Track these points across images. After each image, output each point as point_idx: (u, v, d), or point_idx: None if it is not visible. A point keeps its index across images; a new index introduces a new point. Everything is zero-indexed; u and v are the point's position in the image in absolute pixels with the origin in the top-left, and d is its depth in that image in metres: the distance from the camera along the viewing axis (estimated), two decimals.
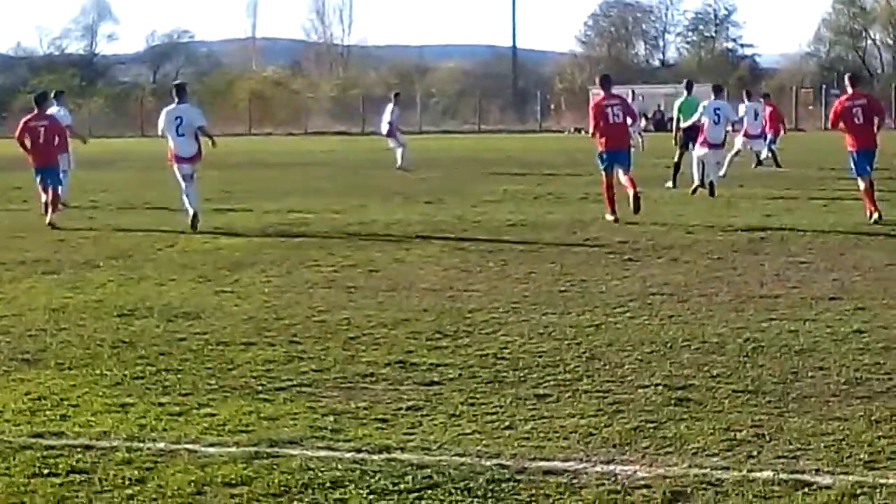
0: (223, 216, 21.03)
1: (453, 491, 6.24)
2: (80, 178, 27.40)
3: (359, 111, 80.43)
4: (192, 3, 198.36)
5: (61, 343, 10.09)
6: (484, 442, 7.08)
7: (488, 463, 6.68)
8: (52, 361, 9.37)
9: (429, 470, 6.54)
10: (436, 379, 8.66)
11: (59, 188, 20.39)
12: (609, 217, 18.79)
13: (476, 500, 6.13)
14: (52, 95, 23.82)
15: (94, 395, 8.30)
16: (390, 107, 34.85)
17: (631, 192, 18.72)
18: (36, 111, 20.43)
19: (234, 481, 6.39)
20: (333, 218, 20.44)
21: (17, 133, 20.16)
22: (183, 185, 18.75)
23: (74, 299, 12.36)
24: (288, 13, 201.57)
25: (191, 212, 18.40)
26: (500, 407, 7.86)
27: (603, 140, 19.32)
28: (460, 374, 8.80)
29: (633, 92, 46.22)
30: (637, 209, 18.57)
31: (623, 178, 19.04)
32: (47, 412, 7.85)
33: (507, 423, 7.47)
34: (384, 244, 16.73)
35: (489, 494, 6.20)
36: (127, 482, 6.43)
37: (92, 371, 9.02)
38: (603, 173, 19.31)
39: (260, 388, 8.44)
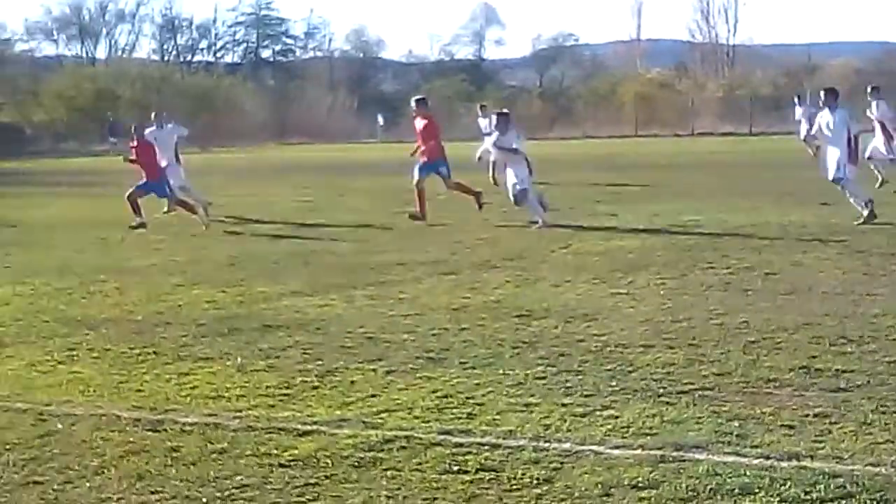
0: (614, 218, 21.11)
1: (868, 502, 6.01)
2: (476, 182, 28.07)
3: (746, 111, 79.26)
4: (577, 7, 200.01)
5: (464, 342, 10.32)
6: None
7: None
8: (455, 360, 9.60)
9: (841, 479, 6.32)
10: (843, 385, 8.38)
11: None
12: None
13: None
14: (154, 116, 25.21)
15: (498, 394, 8.44)
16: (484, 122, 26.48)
17: None
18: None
19: (641, 484, 6.36)
20: (725, 220, 20.15)
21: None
22: None
23: (473, 299, 12.64)
24: (672, 14, 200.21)
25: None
26: None
27: None
28: (868, 381, 8.49)
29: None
30: None
31: None
32: (454, 410, 8.02)
33: None
34: (779, 246, 16.38)
35: None
36: (535, 481, 6.49)
37: (495, 370, 9.18)
38: None
39: (661, 391, 8.37)
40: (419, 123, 22.07)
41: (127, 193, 21.62)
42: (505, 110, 22.75)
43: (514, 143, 21.01)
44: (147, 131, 23.98)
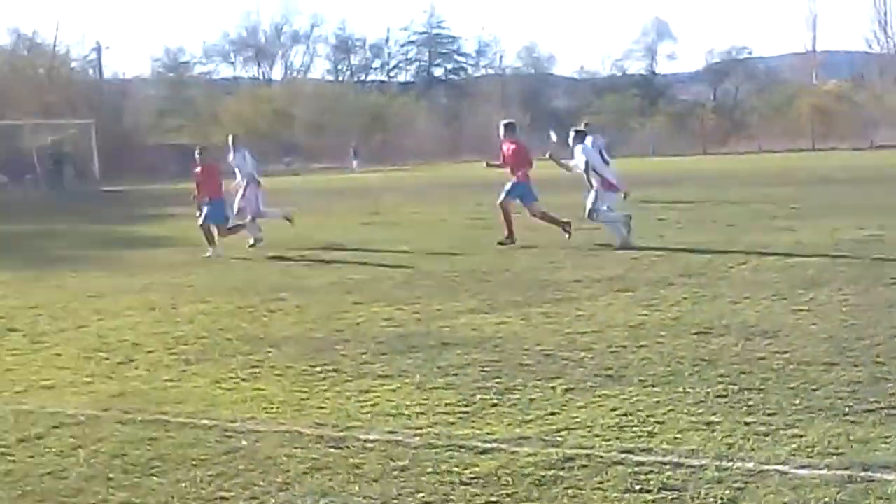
0: (793, 233, 20.78)
1: None
2: (646, 196, 27.85)
3: None
4: (751, 20, 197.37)
5: (642, 360, 10.24)
6: None
7: None
8: (634, 378, 9.53)
9: None
10: None
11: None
12: None
13: None
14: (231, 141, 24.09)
15: (678, 412, 8.35)
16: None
17: None
18: None
19: None
20: None
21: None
22: None
23: (651, 317, 12.54)
24: (848, 25, 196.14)
25: None
26: None
27: None
28: None
29: None
30: None
31: None
32: (635, 428, 7.96)
33: None
34: None
35: None
36: (718, 501, 6.39)
37: (675, 388, 9.09)
38: None
39: (847, 409, 8.19)
40: (507, 148, 21.85)
41: (199, 223, 21.84)
42: (580, 127, 22.35)
43: (572, 161, 21.09)
44: (230, 157, 23.73)
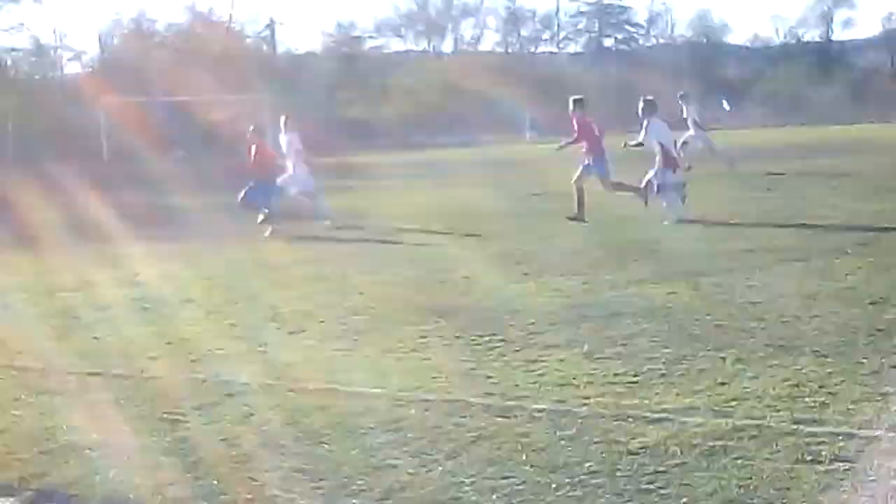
0: None
1: None
2: (814, 166, 27.23)
3: None
4: None
5: (815, 330, 10.06)
6: None
7: None
8: (807, 348, 9.36)
9: None
10: None
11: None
12: None
13: None
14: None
15: (852, 382, 8.19)
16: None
17: None
18: None
19: None
20: None
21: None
22: None
23: (824, 286, 12.30)
24: None
25: None
26: None
27: None
28: None
29: None
30: None
31: None
32: (806, 399, 7.84)
33: None
34: None
35: None
36: (892, 473, 6.30)
37: (848, 359, 8.92)
38: None
39: None
40: (575, 123, 21.56)
41: (241, 197, 21.83)
42: (649, 97, 21.83)
43: (641, 136, 20.93)
44: (282, 136, 23.53)
